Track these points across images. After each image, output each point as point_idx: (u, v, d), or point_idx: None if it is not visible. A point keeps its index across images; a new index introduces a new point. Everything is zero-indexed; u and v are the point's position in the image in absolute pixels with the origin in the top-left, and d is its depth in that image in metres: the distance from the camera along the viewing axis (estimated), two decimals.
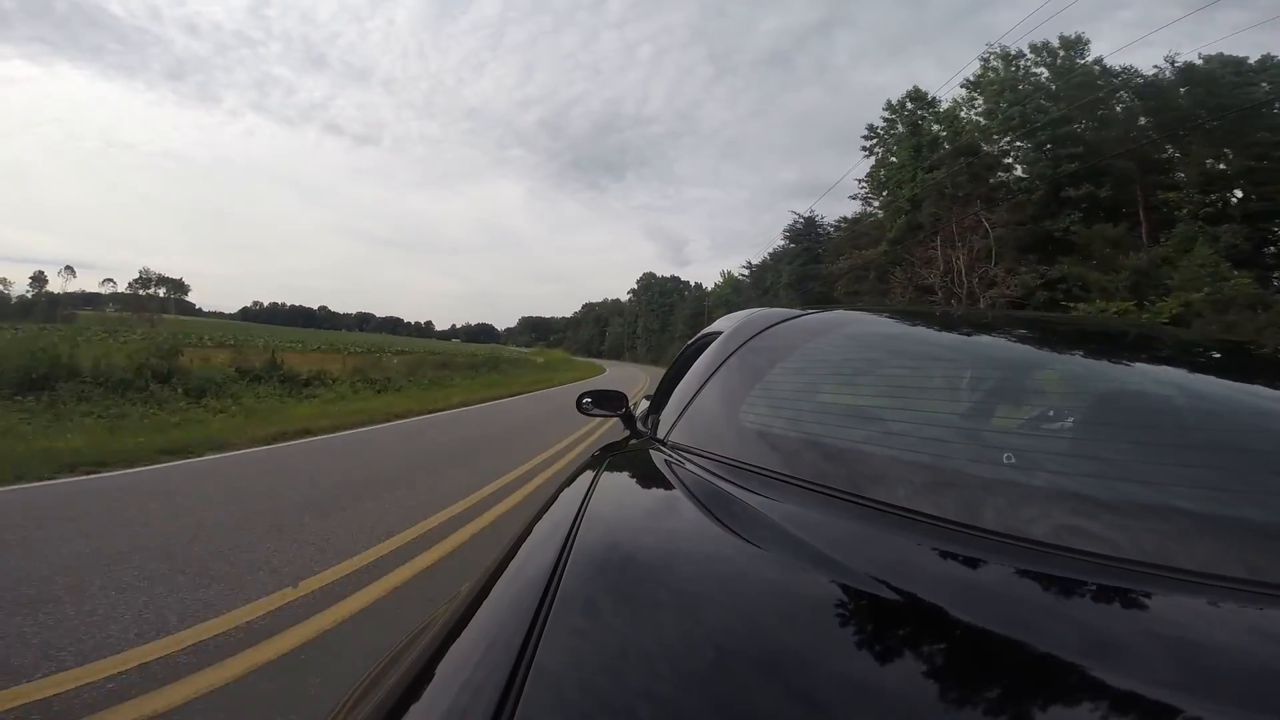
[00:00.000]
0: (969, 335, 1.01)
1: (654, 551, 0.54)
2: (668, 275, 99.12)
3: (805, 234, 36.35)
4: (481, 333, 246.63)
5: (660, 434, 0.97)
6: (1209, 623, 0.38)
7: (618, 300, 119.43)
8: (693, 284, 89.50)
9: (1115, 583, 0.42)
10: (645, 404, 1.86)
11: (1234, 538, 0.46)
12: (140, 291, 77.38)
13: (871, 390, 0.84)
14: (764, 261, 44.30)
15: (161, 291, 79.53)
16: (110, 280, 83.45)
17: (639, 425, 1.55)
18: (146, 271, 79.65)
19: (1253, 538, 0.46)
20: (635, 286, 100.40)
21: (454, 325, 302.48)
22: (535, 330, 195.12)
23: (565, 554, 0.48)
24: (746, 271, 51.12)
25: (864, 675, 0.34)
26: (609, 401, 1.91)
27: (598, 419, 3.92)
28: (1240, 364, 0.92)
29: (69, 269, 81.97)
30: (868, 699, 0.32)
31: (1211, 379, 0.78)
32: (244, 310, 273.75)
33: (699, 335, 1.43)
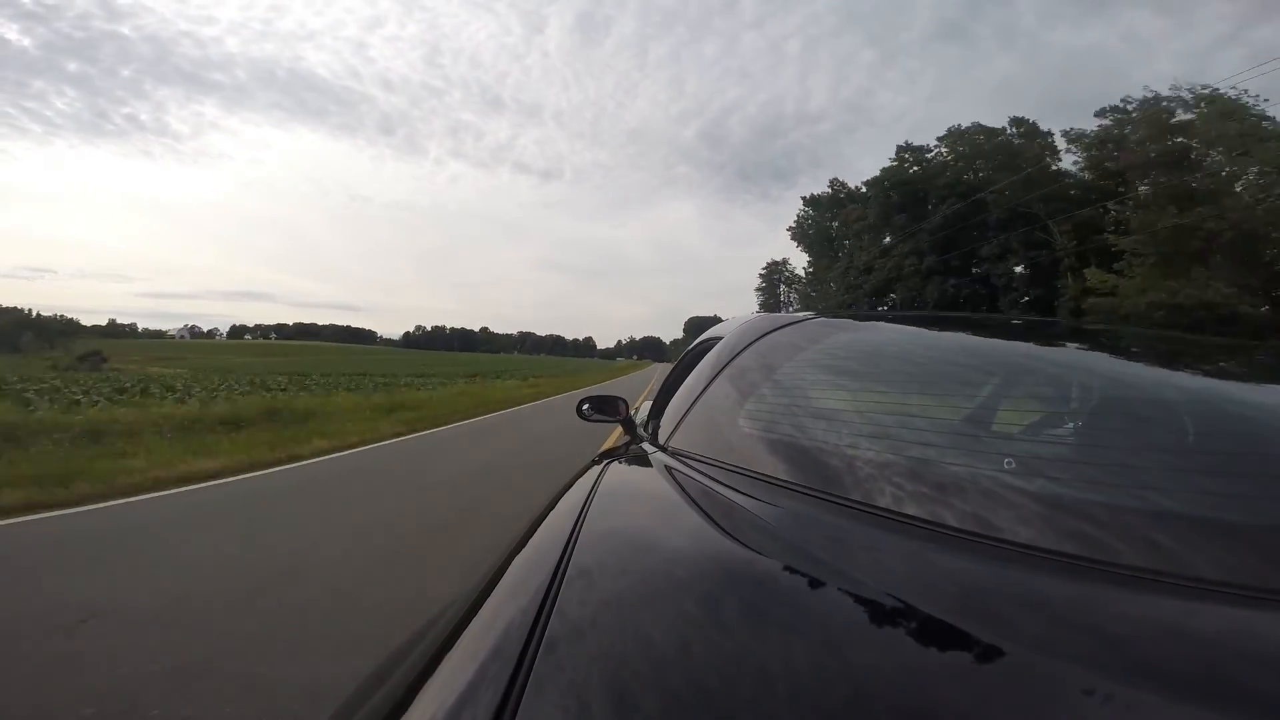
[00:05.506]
0: (977, 340, 1.00)
1: (654, 557, 0.54)
2: None
3: None
4: (647, 347, 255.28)
5: (661, 439, 0.98)
6: (1210, 627, 0.38)
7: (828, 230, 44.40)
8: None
9: (1125, 591, 0.41)
10: (647, 407, 1.79)
11: (1235, 543, 0.44)
12: None
13: (874, 396, 0.82)
14: None
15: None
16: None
17: (639, 431, 1.49)
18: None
19: (1255, 543, 0.44)
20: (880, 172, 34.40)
21: (619, 342, 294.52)
22: (697, 332, 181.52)
23: (565, 560, 0.49)
24: None
25: (863, 678, 0.34)
26: (609, 407, 2.05)
27: None
28: (1241, 365, 0.92)
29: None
30: (866, 703, 0.32)
31: (1211, 381, 0.79)
32: (406, 335, 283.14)
33: (699, 340, 1.45)
